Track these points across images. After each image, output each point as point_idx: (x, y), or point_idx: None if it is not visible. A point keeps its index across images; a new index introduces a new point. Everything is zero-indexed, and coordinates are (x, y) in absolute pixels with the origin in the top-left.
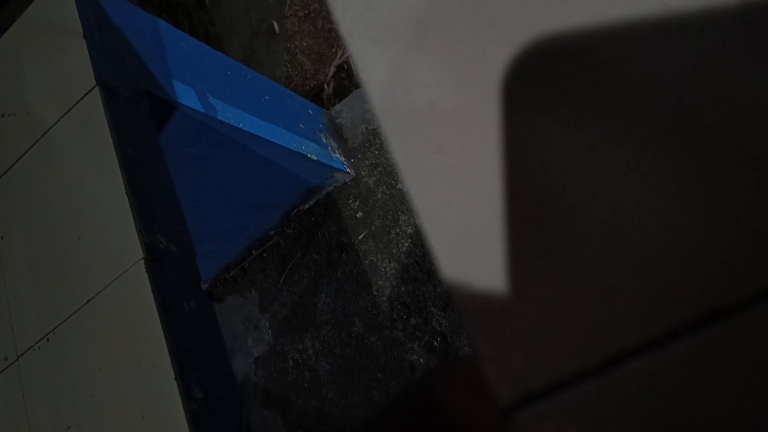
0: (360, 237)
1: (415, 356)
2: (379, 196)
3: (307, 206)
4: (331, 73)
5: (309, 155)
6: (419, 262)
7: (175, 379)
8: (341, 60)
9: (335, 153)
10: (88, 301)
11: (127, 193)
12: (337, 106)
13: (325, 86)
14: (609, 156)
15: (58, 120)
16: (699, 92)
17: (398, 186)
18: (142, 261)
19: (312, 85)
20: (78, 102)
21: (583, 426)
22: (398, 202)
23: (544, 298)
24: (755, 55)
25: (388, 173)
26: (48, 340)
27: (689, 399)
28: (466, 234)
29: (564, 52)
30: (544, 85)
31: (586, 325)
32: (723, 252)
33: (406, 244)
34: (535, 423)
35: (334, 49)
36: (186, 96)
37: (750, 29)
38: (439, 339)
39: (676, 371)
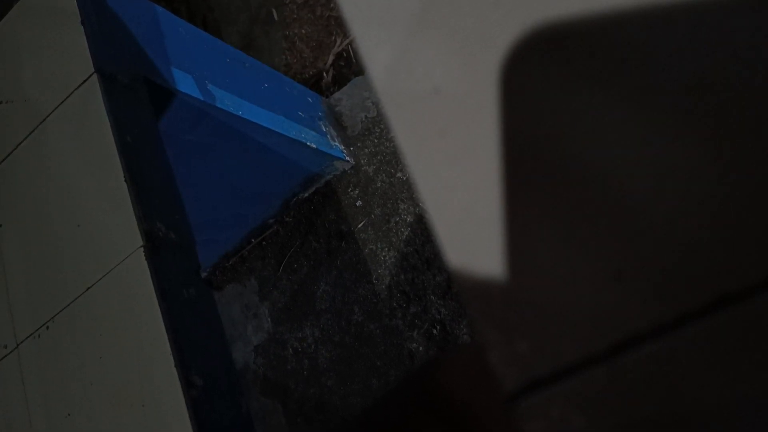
0: (359, 225)
1: (414, 344)
2: (379, 184)
3: (306, 194)
4: (330, 61)
5: (308, 143)
6: (419, 250)
7: (175, 366)
8: (340, 48)
9: (334, 141)
10: (88, 288)
11: (126, 181)
12: (336, 94)
13: (324, 74)
14: (617, 140)
15: (57, 107)
16: (713, 70)
17: (398, 174)
18: (142, 249)
19: (311, 72)
20: (76, 89)
21: (588, 413)
22: (398, 191)
23: (549, 283)
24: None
25: (388, 162)
26: (48, 327)
27: (697, 385)
28: (471, 219)
29: (571, 34)
30: (551, 69)
31: (592, 310)
32: (731, 237)
33: (406, 233)
34: (540, 410)
35: (333, 37)
36: (185, 83)
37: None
38: (438, 327)
39: (684, 357)
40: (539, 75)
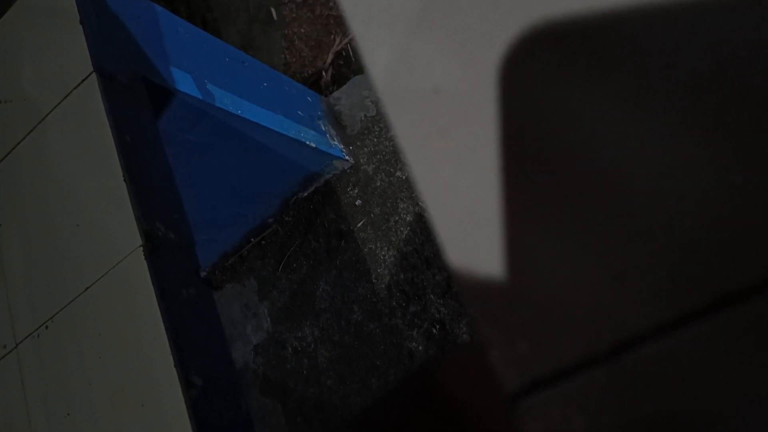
0: (359, 225)
1: (413, 344)
2: (378, 183)
3: (305, 194)
4: (329, 60)
5: (308, 142)
6: (418, 249)
7: (174, 366)
8: (339, 47)
9: (334, 140)
10: (87, 288)
11: (125, 180)
12: (336, 93)
13: (324, 73)
14: (617, 140)
15: (55, 107)
16: (712, 70)
17: (397, 173)
18: (141, 248)
19: (310, 72)
20: (75, 88)
21: (589, 413)
22: (397, 190)
23: (550, 284)
24: None
25: (387, 161)
26: (47, 327)
27: (697, 385)
28: (472, 219)
29: (571, 33)
30: (551, 68)
31: (593, 311)
32: (731, 237)
33: (405, 232)
34: (541, 410)
35: (332, 36)
36: (184, 82)
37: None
38: (438, 326)
39: (684, 358)
40: (539, 74)
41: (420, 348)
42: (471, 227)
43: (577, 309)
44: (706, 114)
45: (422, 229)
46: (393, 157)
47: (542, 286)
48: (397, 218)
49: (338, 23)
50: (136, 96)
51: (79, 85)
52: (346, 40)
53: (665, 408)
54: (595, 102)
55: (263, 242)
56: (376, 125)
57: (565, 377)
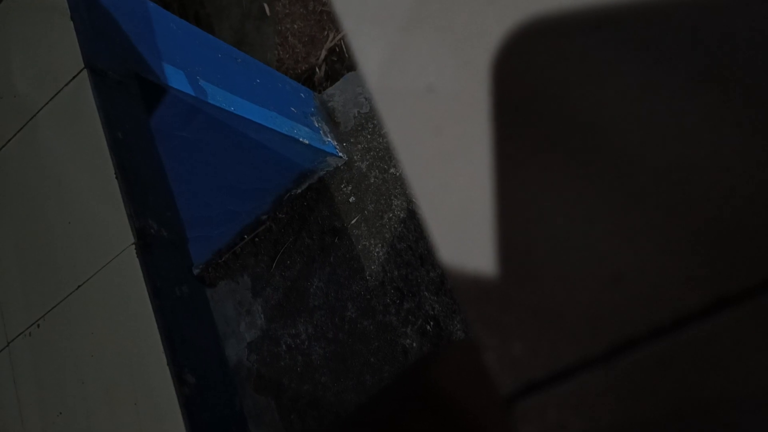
0: (353, 222)
1: (408, 340)
2: (372, 180)
3: (299, 191)
4: (322, 57)
5: (301, 139)
6: (412, 246)
7: (168, 364)
8: (333, 43)
9: (327, 137)
10: (79, 286)
11: (117, 178)
12: (329, 90)
13: (317, 69)
14: (614, 130)
15: (47, 103)
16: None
17: (391, 170)
18: (133, 246)
19: (303, 68)
20: (66, 85)
21: (585, 416)
22: (391, 187)
23: (546, 284)
24: None
25: (381, 157)
26: (38, 326)
27: (695, 388)
28: (466, 218)
29: (566, 31)
30: (547, 66)
31: (589, 312)
32: (730, 239)
33: (399, 229)
34: (536, 412)
35: (326, 32)
36: (176, 79)
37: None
38: (432, 323)
39: (682, 359)
40: (535, 72)
41: (414, 345)
42: (465, 226)
43: (574, 309)
44: (708, 112)
45: (416, 226)
46: (387, 154)
47: (537, 287)
48: (391, 215)
49: (332, 19)
50: (128, 92)
51: (70, 81)
52: (340, 36)
53: (662, 410)
54: (592, 99)
55: (257, 239)
56: (370, 122)
57: (561, 379)
